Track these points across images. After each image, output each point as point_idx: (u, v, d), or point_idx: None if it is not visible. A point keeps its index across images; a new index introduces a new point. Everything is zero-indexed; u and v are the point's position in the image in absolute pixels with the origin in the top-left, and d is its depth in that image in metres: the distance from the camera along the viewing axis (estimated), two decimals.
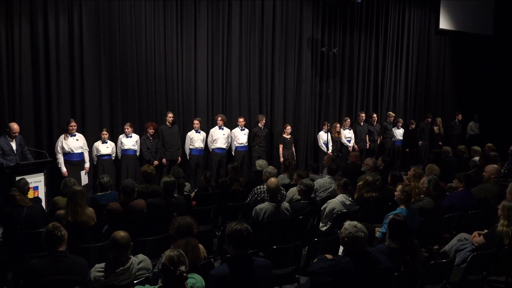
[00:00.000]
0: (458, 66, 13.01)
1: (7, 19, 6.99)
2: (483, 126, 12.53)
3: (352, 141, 10.25)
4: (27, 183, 5.29)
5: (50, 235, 3.38)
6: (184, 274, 2.74)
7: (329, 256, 3.60)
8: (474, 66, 13.10)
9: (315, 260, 3.66)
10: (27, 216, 4.66)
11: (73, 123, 7.28)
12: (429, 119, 11.44)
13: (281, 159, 9.20)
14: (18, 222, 4.61)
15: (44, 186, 6.53)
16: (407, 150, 11.24)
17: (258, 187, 5.75)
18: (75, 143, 7.30)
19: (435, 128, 11.63)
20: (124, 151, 7.90)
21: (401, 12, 11.67)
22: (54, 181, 7.15)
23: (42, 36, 7.30)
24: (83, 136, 7.53)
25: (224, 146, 8.76)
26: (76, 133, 7.35)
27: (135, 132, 8.07)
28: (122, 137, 7.92)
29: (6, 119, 7.01)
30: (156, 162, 8.01)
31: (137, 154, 8.03)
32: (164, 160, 8.21)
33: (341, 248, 3.71)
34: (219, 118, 8.69)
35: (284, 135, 9.45)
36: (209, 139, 8.73)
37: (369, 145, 10.59)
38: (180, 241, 3.41)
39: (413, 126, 11.24)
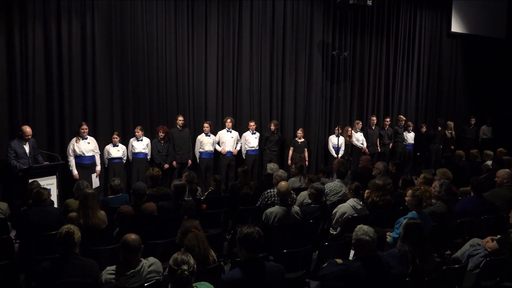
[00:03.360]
0: (470, 70, 12.88)
1: (21, 23, 7.09)
2: (496, 130, 12.39)
3: (365, 144, 10.20)
4: (39, 186, 5.35)
5: (64, 238, 3.40)
6: (186, 272, 2.73)
7: (339, 261, 3.58)
8: (487, 70, 12.95)
9: (325, 264, 3.64)
10: (44, 218, 4.70)
11: (84, 126, 7.35)
12: (440, 128, 11.34)
13: (289, 162, 9.19)
14: (35, 223, 4.65)
15: (56, 188, 6.61)
16: (418, 154, 11.16)
17: (268, 190, 5.74)
18: (86, 146, 7.37)
19: (447, 132, 11.52)
20: (135, 154, 7.95)
21: (412, 15, 11.60)
22: (66, 184, 7.23)
23: (55, 39, 7.40)
24: (95, 139, 7.60)
25: (232, 149, 8.77)
26: (87, 136, 7.41)
27: (146, 135, 8.12)
28: (132, 141, 7.98)
29: (19, 122, 7.10)
30: (166, 166, 8.05)
31: (148, 157, 8.07)
32: (174, 163, 8.24)
33: (351, 253, 3.70)
34: (228, 120, 8.71)
35: (295, 139, 9.45)
36: (216, 140, 8.73)
37: (380, 149, 10.55)
38: (189, 235, 3.47)
39: (424, 129, 11.16)
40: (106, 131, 7.93)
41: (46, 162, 6.81)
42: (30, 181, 5.87)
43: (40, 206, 4.78)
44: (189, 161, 8.46)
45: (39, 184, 5.57)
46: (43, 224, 4.61)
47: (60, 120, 7.56)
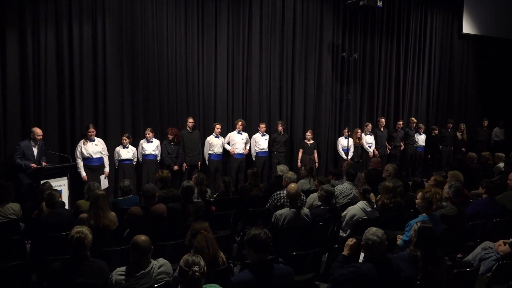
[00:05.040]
0: (482, 71, 12.76)
1: (34, 26, 7.17)
2: (509, 132, 12.24)
3: (373, 146, 10.16)
4: (50, 187, 5.39)
5: (75, 243, 3.42)
6: (197, 273, 2.74)
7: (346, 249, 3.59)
8: (499, 71, 12.82)
9: (334, 264, 3.64)
10: (54, 219, 4.76)
11: (91, 129, 7.36)
12: (450, 125, 11.25)
13: (298, 164, 9.18)
14: (47, 226, 4.70)
15: (68, 190, 6.66)
16: (429, 156, 11.07)
17: (278, 192, 5.73)
18: (94, 148, 7.40)
19: (458, 134, 11.42)
20: (145, 156, 7.99)
21: (423, 16, 11.53)
22: (76, 185, 7.28)
23: (66, 42, 7.46)
24: (103, 141, 7.63)
25: (242, 151, 8.78)
26: (95, 138, 7.43)
27: (156, 137, 8.16)
28: (143, 142, 8.01)
29: (31, 124, 7.17)
30: (176, 167, 8.08)
31: (158, 159, 8.11)
32: (184, 165, 8.27)
33: (361, 255, 3.68)
34: (239, 123, 8.73)
35: (305, 141, 9.44)
36: (226, 140, 8.74)
37: (390, 150, 10.48)
38: (198, 236, 3.49)
39: (436, 131, 11.07)
40: (117, 133, 7.98)
41: (44, 163, 6.78)
42: (42, 182, 5.93)
43: (53, 209, 4.83)
44: (199, 163, 8.48)
45: (51, 185, 5.62)
46: (54, 226, 4.67)
47: (71, 121, 7.62)
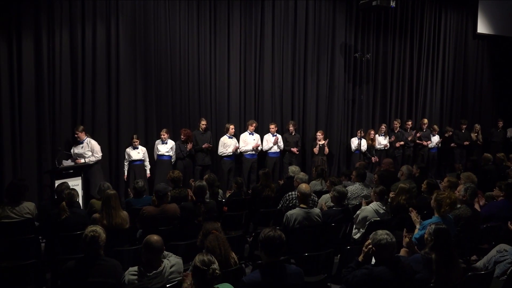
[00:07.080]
0: (497, 71, 12.58)
1: (49, 28, 7.26)
2: None
3: (387, 147, 10.08)
4: (68, 187, 5.43)
5: (89, 242, 3.46)
6: (217, 271, 2.76)
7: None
8: None
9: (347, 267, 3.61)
10: (75, 219, 4.85)
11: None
12: (464, 126, 11.11)
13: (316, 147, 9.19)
14: (67, 224, 4.78)
15: (81, 189, 6.73)
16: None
17: (290, 193, 5.72)
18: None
19: (473, 135, 11.27)
20: (159, 156, 8.05)
21: (437, 16, 11.41)
22: (90, 185, 7.33)
23: (80, 43, 7.54)
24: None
25: (254, 152, 8.79)
26: (86, 138, 7.30)
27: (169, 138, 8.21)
28: (158, 143, 8.08)
29: (46, 124, 7.27)
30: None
31: (172, 160, 8.16)
32: (206, 145, 8.32)
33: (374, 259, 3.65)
34: (254, 124, 8.73)
35: (315, 141, 9.41)
36: (241, 144, 8.78)
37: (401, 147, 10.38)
38: (210, 236, 3.51)
39: (451, 133, 10.94)
40: (129, 133, 8.00)
41: None
42: (59, 182, 5.96)
43: (72, 208, 4.92)
44: (207, 145, 8.43)
45: (69, 185, 5.66)
46: (75, 225, 4.74)
47: (85, 122, 7.68)
